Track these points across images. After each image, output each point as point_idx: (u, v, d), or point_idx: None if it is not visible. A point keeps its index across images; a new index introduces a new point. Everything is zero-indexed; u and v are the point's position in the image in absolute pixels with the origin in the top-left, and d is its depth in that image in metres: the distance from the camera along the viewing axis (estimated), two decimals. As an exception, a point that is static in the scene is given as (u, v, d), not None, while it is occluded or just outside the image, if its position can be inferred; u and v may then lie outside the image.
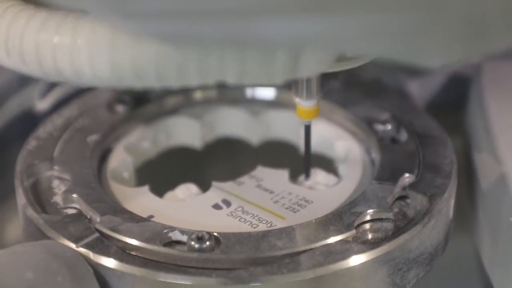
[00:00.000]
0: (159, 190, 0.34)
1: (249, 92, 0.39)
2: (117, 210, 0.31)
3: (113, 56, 0.26)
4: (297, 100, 0.33)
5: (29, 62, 0.27)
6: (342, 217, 0.31)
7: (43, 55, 0.27)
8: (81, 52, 0.26)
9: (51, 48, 0.27)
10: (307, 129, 0.34)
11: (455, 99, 0.41)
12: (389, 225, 0.31)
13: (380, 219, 0.31)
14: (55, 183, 0.33)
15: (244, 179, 0.35)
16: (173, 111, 0.39)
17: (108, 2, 0.24)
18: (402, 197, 0.32)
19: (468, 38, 0.25)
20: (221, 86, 0.38)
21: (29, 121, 0.39)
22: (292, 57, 0.26)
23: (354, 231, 0.30)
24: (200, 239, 0.29)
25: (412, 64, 0.25)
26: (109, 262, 0.29)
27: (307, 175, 0.35)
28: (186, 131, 0.39)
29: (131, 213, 0.31)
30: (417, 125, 0.36)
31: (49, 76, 0.27)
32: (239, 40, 0.25)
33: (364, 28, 0.23)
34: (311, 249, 0.29)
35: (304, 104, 0.33)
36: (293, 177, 0.35)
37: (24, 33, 0.27)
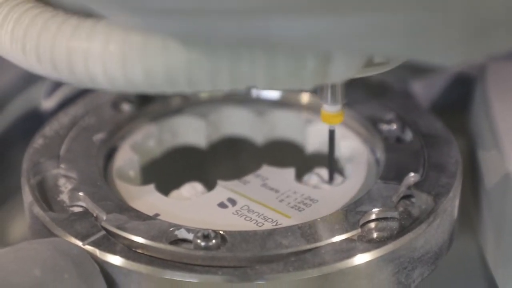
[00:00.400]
0: (165, 188, 0.34)
1: (254, 92, 0.39)
2: (123, 208, 0.32)
3: (146, 62, 0.26)
4: (322, 105, 0.33)
5: (60, 69, 0.27)
6: (348, 216, 0.31)
7: (75, 62, 0.27)
8: (114, 59, 0.26)
9: (83, 54, 0.27)
10: (331, 134, 0.34)
11: (459, 99, 0.41)
12: (394, 224, 0.31)
13: (385, 218, 0.31)
14: (61, 181, 0.34)
15: (250, 178, 0.35)
16: (178, 110, 0.39)
17: (122, 0, 0.24)
18: (407, 196, 0.32)
19: (477, 37, 0.25)
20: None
21: (35, 120, 0.39)
22: (322, 63, 0.26)
23: (359, 230, 0.30)
24: (206, 237, 0.29)
25: (426, 63, 0.25)
26: (115, 260, 0.29)
27: (331, 179, 0.35)
28: (191, 130, 0.39)
29: (137, 211, 0.31)
30: (422, 125, 0.36)
31: (82, 83, 0.28)
32: (251, 41, 0.25)
33: (381, 27, 0.24)
34: (316, 248, 0.29)
35: (329, 109, 0.33)
36: (298, 177, 0.35)
37: (56, 40, 0.27)
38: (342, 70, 0.27)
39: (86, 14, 0.27)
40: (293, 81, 0.27)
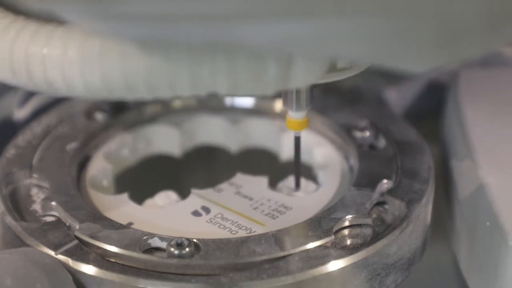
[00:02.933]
0: (139, 197, 0.34)
1: (228, 100, 0.39)
2: (96, 217, 0.31)
3: (104, 68, 0.26)
4: (287, 111, 0.33)
5: (19, 75, 0.27)
6: (321, 223, 0.31)
7: (33, 68, 0.27)
8: (72, 64, 0.26)
9: (41, 60, 0.27)
10: (297, 141, 0.34)
11: (432, 106, 0.41)
12: (367, 231, 0.31)
13: (359, 225, 0.31)
14: (34, 191, 0.33)
15: (224, 186, 0.35)
16: (152, 119, 0.39)
17: (91, 5, 0.24)
18: (380, 203, 0.32)
19: (449, 43, 0.25)
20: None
21: (7, 129, 0.39)
22: (283, 68, 0.26)
23: (333, 237, 0.30)
24: (179, 245, 0.29)
25: (395, 70, 0.25)
26: (88, 269, 0.29)
27: (297, 186, 0.35)
28: (165, 139, 0.39)
29: (110, 220, 0.31)
30: (395, 132, 0.36)
31: (40, 88, 0.27)
32: (224, 45, 0.25)
33: (348, 32, 0.24)
34: (290, 255, 0.29)
35: (294, 115, 0.33)
36: (272, 184, 0.35)
37: (14, 45, 0.27)
38: (304, 76, 0.27)
39: (54, 20, 0.27)
40: (254, 87, 0.27)
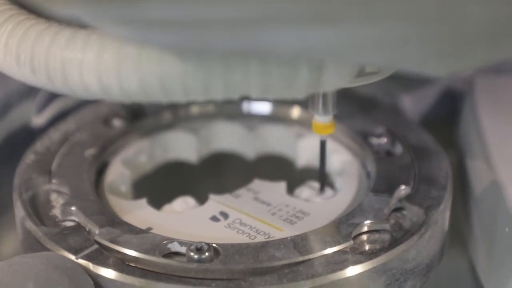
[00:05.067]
0: (156, 203, 0.35)
1: (245, 107, 0.40)
2: (115, 222, 0.32)
3: (140, 72, 0.27)
4: (314, 115, 0.33)
5: (55, 80, 0.28)
6: (340, 228, 0.31)
7: (69, 73, 0.27)
8: (108, 68, 0.27)
9: (78, 65, 0.27)
10: (323, 144, 0.34)
11: (448, 113, 0.42)
12: (386, 236, 0.31)
13: (377, 230, 0.31)
14: (53, 196, 0.34)
15: (241, 191, 0.35)
16: (169, 126, 0.39)
17: (111, 10, 0.24)
18: (398, 209, 0.33)
19: (468, 48, 0.25)
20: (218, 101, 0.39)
21: (26, 136, 0.39)
22: (315, 72, 0.27)
23: (351, 242, 0.30)
24: (199, 250, 0.30)
25: (417, 74, 0.25)
26: (109, 273, 0.29)
27: (322, 189, 0.35)
28: (182, 145, 0.39)
29: (129, 225, 0.32)
30: (411, 138, 0.36)
31: (76, 92, 0.28)
32: (245, 51, 0.26)
33: (373, 38, 0.24)
34: (309, 260, 0.30)
35: (320, 119, 0.33)
36: (290, 190, 0.35)
37: (50, 51, 0.27)
38: (335, 79, 0.27)
39: (80, 26, 0.27)
40: (286, 90, 0.27)
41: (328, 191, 0.35)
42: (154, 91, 0.27)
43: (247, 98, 0.27)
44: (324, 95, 0.32)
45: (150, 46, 0.26)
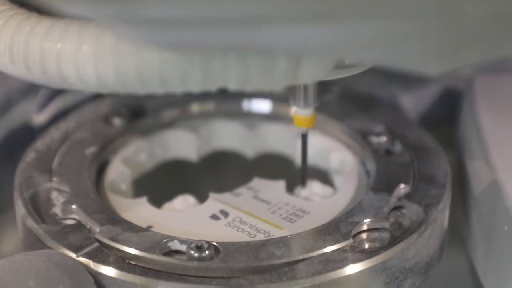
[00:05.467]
0: (157, 201, 0.35)
1: (245, 105, 0.40)
2: (116, 220, 0.32)
3: (118, 62, 0.27)
4: (294, 108, 0.33)
5: (33, 69, 0.28)
6: (339, 226, 0.31)
7: (47, 62, 0.27)
8: (86, 58, 0.27)
9: (56, 54, 0.27)
10: (304, 138, 0.35)
11: (447, 112, 0.42)
12: (385, 235, 0.31)
13: (377, 229, 0.31)
14: (54, 194, 0.34)
15: (241, 190, 0.35)
16: (169, 124, 0.39)
17: (112, 9, 0.24)
18: (397, 207, 0.33)
19: (464, 46, 0.25)
20: (218, 99, 0.39)
21: (26, 134, 0.40)
22: (292, 64, 0.27)
23: (351, 240, 0.31)
24: (199, 248, 0.30)
25: (411, 72, 0.25)
26: (109, 271, 0.29)
27: (304, 184, 0.35)
28: (182, 144, 0.39)
29: (130, 223, 0.32)
30: (411, 137, 0.36)
31: (53, 83, 0.28)
32: (242, 49, 0.26)
33: (367, 35, 0.24)
34: (309, 258, 0.30)
35: (301, 112, 0.33)
36: (289, 189, 0.35)
37: (29, 41, 0.28)
38: (313, 71, 0.27)
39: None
40: (264, 81, 0.27)
41: (328, 190, 0.35)
42: (131, 82, 0.27)
43: (225, 90, 0.27)
44: (305, 88, 0.33)
45: (149, 45, 0.26)
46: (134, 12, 0.24)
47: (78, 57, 0.27)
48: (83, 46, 0.27)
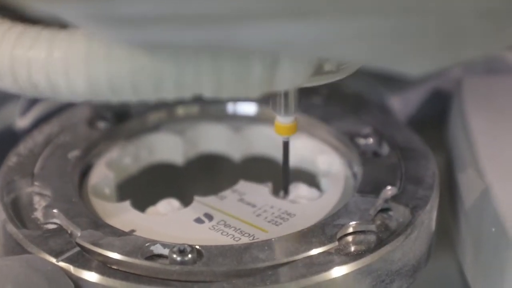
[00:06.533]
0: (141, 205, 0.34)
1: (230, 108, 0.39)
2: (98, 224, 0.31)
3: (89, 70, 0.26)
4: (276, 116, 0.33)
5: (4, 77, 0.27)
6: (325, 229, 0.31)
7: (18, 70, 0.27)
8: (57, 66, 0.26)
9: (26, 62, 0.27)
10: (285, 146, 0.34)
11: (435, 114, 0.41)
12: (371, 237, 0.31)
13: (363, 231, 0.31)
14: (36, 199, 0.33)
15: (226, 193, 0.35)
16: (155, 127, 0.39)
17: (83, 7, 0.24)
18: (384, 210, 0.32)
19: (449, 45, 0.25)
20: (203, 102, 0.39)
21: (9, 138, 0.39)
22: (268, 69, 0.26)
23: (336, 243, 0.30)
24: (182, 252, 0.29)
25: (393, 73, 0.25)
26: (90, 276, 0.29)
27: (285, 192, 0.35)
28: (168, 147, 0.39)
29: (112, 227, 0.31)
30: (398, 138, 0.36)
31: (24, 91, 0.27)
32: (217, 47, 0.25)
33: (347, 33, 0.23)
34: (293, 261, 0.29)
35: (282, 120, 0.33)
36: (275, 191, 0.35)
37: None
38: (290, 78, 0.27)
39: (59, 24, 0.27)
40: (239, 88, 0.26)
41: (314, 192, 0.35)
42: (102, 90, 0.26)
43: (200, 98, 0.27)
44: (286, 95, 0.32)
45: (103, 43, 0.26)
46: (106, 9, 0.24)
47: (49, 64, 0.26)
48: (54, 52, 0.26)
